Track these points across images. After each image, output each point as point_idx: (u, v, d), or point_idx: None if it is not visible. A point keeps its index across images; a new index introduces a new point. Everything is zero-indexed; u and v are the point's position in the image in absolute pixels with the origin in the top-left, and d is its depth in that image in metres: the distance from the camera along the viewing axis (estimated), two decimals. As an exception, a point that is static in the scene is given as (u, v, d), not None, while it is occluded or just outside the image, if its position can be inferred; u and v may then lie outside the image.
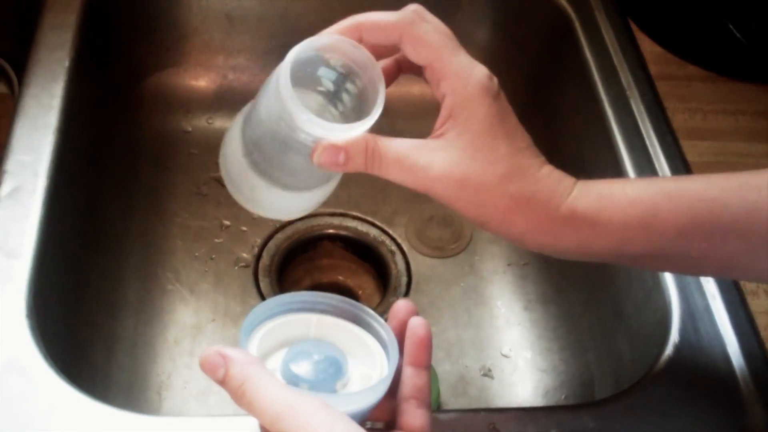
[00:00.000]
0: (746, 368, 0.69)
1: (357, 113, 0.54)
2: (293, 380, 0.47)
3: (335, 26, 0.53)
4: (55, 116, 0.82)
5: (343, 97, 0.54)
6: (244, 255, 0.98)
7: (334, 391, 0.48)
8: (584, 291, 0.92)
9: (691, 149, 0.88)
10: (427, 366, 0.50)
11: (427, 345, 0.50)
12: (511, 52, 1.09)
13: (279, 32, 1.08)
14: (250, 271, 0.97)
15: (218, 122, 1.09)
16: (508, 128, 0.53)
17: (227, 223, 1.01)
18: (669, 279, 0.75)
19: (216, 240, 0.99)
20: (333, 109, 0.55)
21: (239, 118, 0.56)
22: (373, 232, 1.02)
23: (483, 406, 0.89)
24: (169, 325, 0.92)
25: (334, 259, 1.02)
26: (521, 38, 1.09)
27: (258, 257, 0.98)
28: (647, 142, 0.87)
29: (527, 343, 0.94)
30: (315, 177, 0.55)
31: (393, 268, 0.99)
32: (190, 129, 1.09)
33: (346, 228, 1.02)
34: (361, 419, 0.47)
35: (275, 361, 0.49)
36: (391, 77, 0.56)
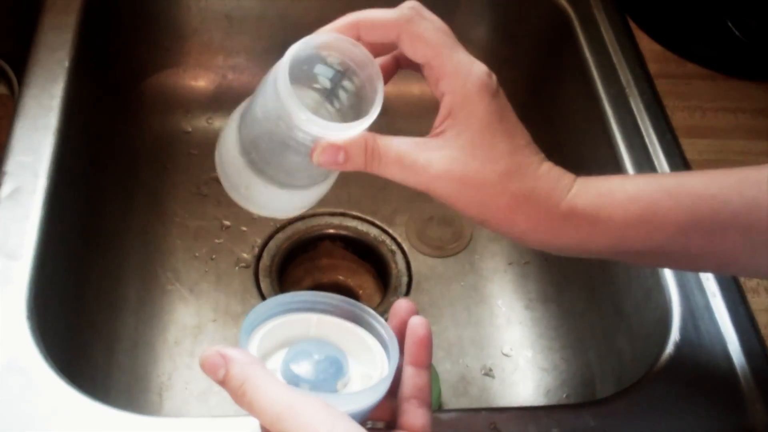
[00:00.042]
0: (747, 366, 0.69)
1: (355, 110, 0.54)
2: (294, 380, 0.47)
3: (333, 24, 0.53)
4: (55, 117, 0.82)
5: (339, 94, 0.54)
6: (245, 255, 0.98)
7: (335, 391, 0.48)
8: (585, 290, 0.92)
9: (690, 147, 0.88)
10: (427, 365, 0.50)
11: (427, 344, 0.50)
12: (510, 51, 1.09)
13: (278, 32, 1.08)
14: (250, 271, 0.97)
15: (218, 122, 1.09)
16: (507, 126, 0.53)
17: (227, 223, 1.01)
18: (669, 277, 0.75)
19: (216, 240, 0.99)
20: (329, 106, 0.55)
21: (235, 115, 0.55)
22: (374, 231, 1.02)
23: (484, 405, 0.89)
24: (169, 325, 0.92)
25: (334, 258, 1.02)
26: (520, 37, 1.08)
27: (258, 257, 0.98)
28: (647, 141, 0.87)
29: (528, 342, 0.94)
30: (312, 175, 0.55)
31: (393, 267, 0.99)
32: (189, 129, 1.09)
33: (347, 228, 1.02)
34: (362, 419, 0.47)
35: (276, 361, 0.49)
36: (389, 73, 0.56)
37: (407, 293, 0.97)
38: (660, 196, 0.55)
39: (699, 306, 0.73)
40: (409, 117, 1.03)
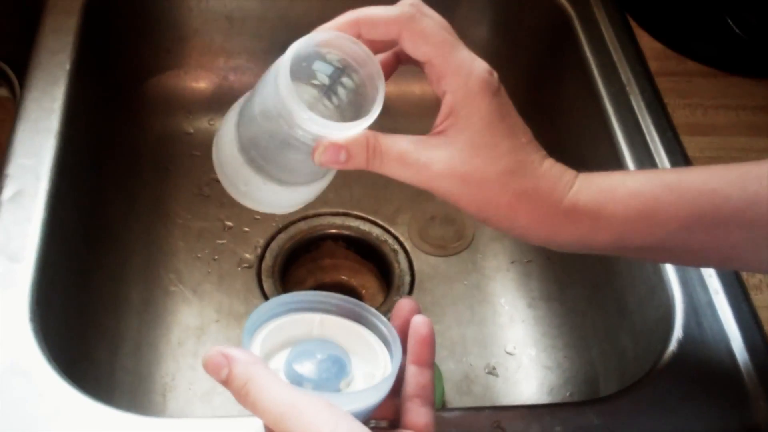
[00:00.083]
0: (750, 363, 0.69)
1: (354, 107, 0.54)
2: (297, 380, 0.47)
3: (333, 22, 0.53)
4: (57, 119, 0.82)
5: (338, 90, 0.54)
6: (247, 255, 0.98)
7: (338, 391, 0.48)
8: (587, 288, 0.92)
9: (692, 145, 0.88)
10: (430, 364, 0.50)
11: (430, 343, 0.50)
12: (511, 50, 1.09)
13: (279, 33, 1.08)
14: (253, 272, 0.97)
15: (219, 123, 1.09)
16: (508, 124, 0.53)
17: (230, 224, 1.01)
18: (672, 274, 0.75)
19: (219, 241, 1.00)
20: (327, 102, 0.55)
21: (232, 112, 0.55)
22: (376, 231, 1.02)
23: (488, 404, 0.89)
24: (172, 326, 0.92)
25: (336, 258, 1.02)
26: (521, 36, 1.08)
27: (261, 258, 0.98)
28: (648, 138, 0.87)
29: (531, 341, 0.94)
30: (312, 172, 0.55)
31: (396, 267, 0.99)
32: (191, 131, 1.10)
33: (349, 227, 1.02)
34: (365, 418, 0.47)
35: (278, 361, 0.49)
36: (390, 69, 0.55)
37: (410, 292, 0.97)
38: (661, 192, 0.55)
39: (702, 303, 0.73)
40: (411, 116, 1.03)
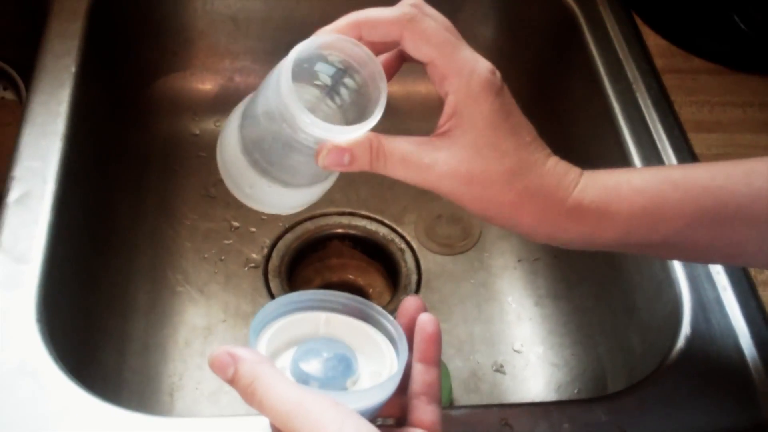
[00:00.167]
0: (759, 359, 0.69)
1: (357, 108, 0.54)
2: (303, 378, 0.47)
3: (334, 24, 0.52)
4: (63, 122, 0.82)
5: (340, 91, 0.54)
6: (254, 256, 0.99)
7: (344, 389, 0.48)
8: (595, 285, 0.92)
9: (699, 142, 0.88)
10: (436, 362, 0.50)
11: (436, 341, 0.50)
12: (516, 49, 1.09)
13: (284, 34, 1.08)
14: (259, 272, 0.97)
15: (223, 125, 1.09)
16: (512, 123, 0.53)
17: (236, 224, 1.01)
18: (679, 271, 0.75)
19: (225, 241, 1.00)
20: (330, 102, 0.55)
21: (235, 115, 0.55)
22: (382, 230, 1.02)
23: (495, 401, 0.89)
24: (179, 326, 0.92)
25: (343, 258, 1.02)
26: (526, 34, 1.08)
27: (267, 258, 0.98)
28: (655, 136, 0.87)
29: (539, 339, 0.94)
30: (316, 174, 0.55)
31: (403, 266, 0.99)
32: (197, 132, 1.10)
33: (355, 227, 1.02)
34: (372, 416, 0.47)
35: (285, 360, 0.49)
36: (394, 68, 0.55)
37: (417, 291, 0.97)
38: (666, 189, 0.54)
39: (710, 299, 0.73)
40: (416, 116, 1.03)
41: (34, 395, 0.63)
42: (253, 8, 1.07)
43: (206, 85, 1.11)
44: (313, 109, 0.49)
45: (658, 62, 0.97)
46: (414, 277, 0.98)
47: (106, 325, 0.87)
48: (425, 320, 0.50)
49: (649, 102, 0.91)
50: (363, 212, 1.03)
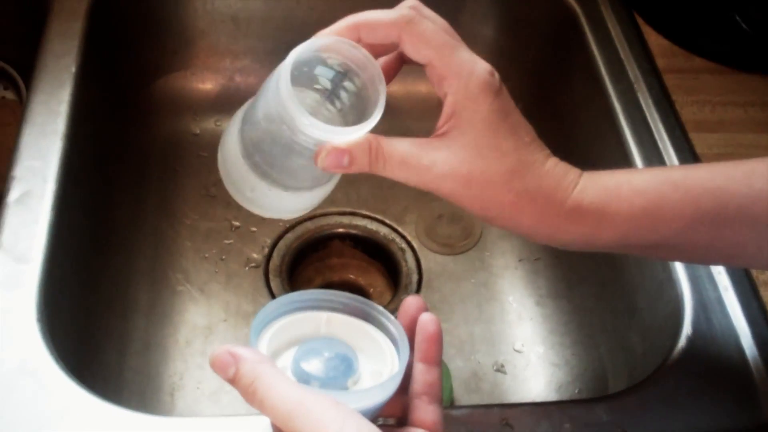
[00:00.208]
0: (760, 359, 0.69)
1: (357, 111, 0.54)
2: (304, 378, 0.47)
3: (333, 27, 0.53)
4: (63, 122, 0.82)
5: (340, 94, 0.54)
6: (255, 255, 0.98)
7: (345, 389, 0.48)
8: (596, 285, 0.92)
9: (700, 142, 0.88)
10: (437, 362, 0.50)
11: (437, 341, 0.50)
12: (518, 48, 1.09)
13: (284, 33, 1.08)
14: (260, 271, 0.97)
15: (226, 124, 1.08)
16: (510, 123, 0.53)
17: (237, 224, 1.01)
18: (681, 271, 0.75)
19: (226, 241, 1.00)
20: (330, 106, 0.55)
21: (236, 119, 0.56)
22: (383, 230, 1.02)
23: (496, 401, 0.89)
24: (180, 326, 0.92)
25: (344, 257, 1.02)
26: (527, 34, 1.08)
27: (268, 257, 0.98)
28: (656, 136, 0.87)
29: (539, 338, 0.94)
30: (317, 176, 0.55)
31: (403, 265, 0.99)
32: (198, 132, 1.10)
33: (356, 227, 1.02)
34: (373, 416, 0.47)
35: (286, 360, 0.49)
36: (394, 69, 0.55)
37: (418, 291, 0.97)
38: (666, 189, 0.54)
39: (711, 299, 0.73)
40: (416, 116, 1.03)
41: (34, 395, 0.63)
42: (254, 8, 1.07)
43: (207, 84, 1.11)
44: (314, 114, 0.50)
45: (660, 62, 0.96)
46: (415, 277, 0.98)
47: (107, 325, 0.87)
48: (426, 320, 0.50)
49: (650, 102, 0.91)
50: (364, 212, 1.03)
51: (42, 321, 0.67)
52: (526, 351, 0.93)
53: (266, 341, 0.49)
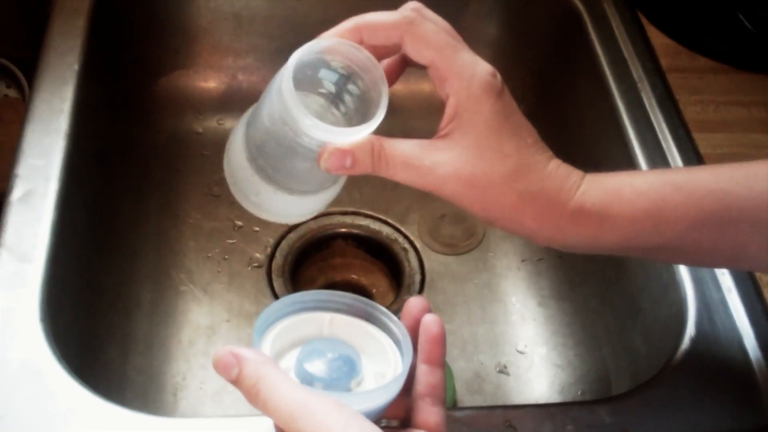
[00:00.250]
0: (763, 360, 0.69)
1: (361, 114, 0.54)
2: (307, 379, 0.47)
3: (335, 29, 0.53)
4: (66, 120, 0.82)
5: (345, 98, 0.54)
6: (257, 255, 0.98)
7: (349, 390, 0.48)
8: (599, 286, 0.92)
9: (704, 141, 0.88)
10: (441, 363, 0.50)
11: (440, 342, 0.50)
12: (521, 48, 1.08)
13: (287, 32, 1.08)
14: (263, 271, 0.97)
15: (229, 123, 1.09)
16: (513, 125, 0.53)
17: (240, 223, 1.01)
18: (684, 273, 0.75)
19: (229, 240, 1.00)
20: (335, 111, 0.55)
21: (242, 122, 0.56)
22: (386, 230, 1.02)
23: (499, 402, 0.89)
24: (183, 326, 0.92)
25: (347, 257, 1.02)
26: (530, 34, 1.08)
27: (271, 257, 0.98)
28: (659, 136, 0.87)
29: (542, 339, 0.94)
30: (321, 180, 0.55)
31: (406, 266, 0.99)
32: (200, 130, 1.10)
33: (359, 226, 1.02)
34: (376, 417, 0.47)
35: (289, 361, 0.49)
36: (398, 71, 0.56)
37: (420, 291, 0.97)
38: (669, 191, 0.54)
39: (714, 301, 0.73)
40: (420, 115, 1.03)
41: (37, 395, 0.63)
42: (256, 6, 1.07)
43: (209, 83, 1.11)
44: (320, 119, 0.50)
45: (663, 61, 0.96)
46: (417, 277, 0.98)
47: (110, 325, 0.87)
48: (430, 321, 0.50)
49: (654, 101, 0.91)
50: (366, 212, 1.03)
51: (45, 320, 0.67)
52: (529, 352, 0.93)
53: (269, 342, 0.49)
